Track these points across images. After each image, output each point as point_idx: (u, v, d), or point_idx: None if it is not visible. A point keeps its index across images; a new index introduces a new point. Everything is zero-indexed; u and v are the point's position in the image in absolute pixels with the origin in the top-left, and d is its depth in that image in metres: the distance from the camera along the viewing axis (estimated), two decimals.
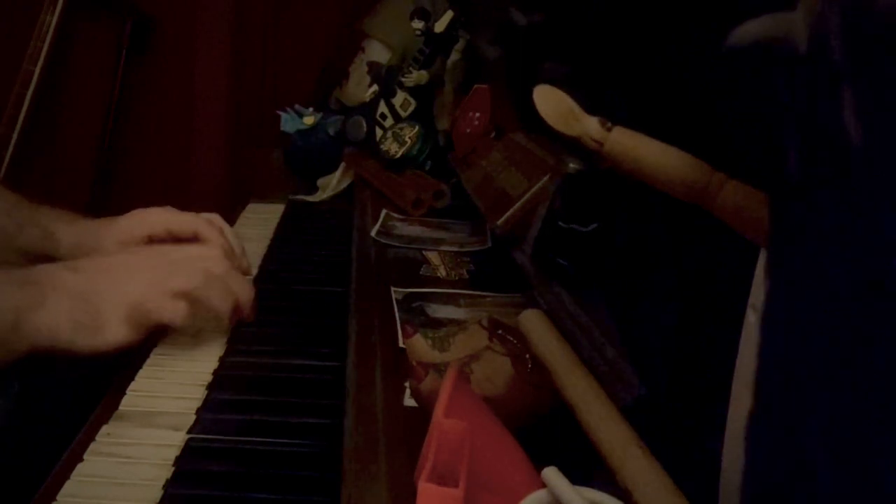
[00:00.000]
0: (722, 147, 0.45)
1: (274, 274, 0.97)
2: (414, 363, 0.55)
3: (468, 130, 1.03)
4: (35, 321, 0.68)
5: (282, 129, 1.40)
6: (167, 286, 0.73)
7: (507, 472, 0.43)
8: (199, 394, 0.69)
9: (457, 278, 0.89)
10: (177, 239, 0.90)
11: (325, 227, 1.21)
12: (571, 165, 0.58)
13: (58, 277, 0.71)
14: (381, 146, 1.24)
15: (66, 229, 0.88)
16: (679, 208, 0.45)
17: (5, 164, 1.71)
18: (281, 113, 1.42)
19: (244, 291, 0.79)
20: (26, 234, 0.87)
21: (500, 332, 0.58)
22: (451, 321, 0.74)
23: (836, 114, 0.22)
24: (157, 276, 0.74)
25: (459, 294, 0.83)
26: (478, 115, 1.02)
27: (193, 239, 0.91)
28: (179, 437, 0.63)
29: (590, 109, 0.52)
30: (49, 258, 0.86)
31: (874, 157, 0.22)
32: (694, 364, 0.46)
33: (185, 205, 0.97)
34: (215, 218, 0.95)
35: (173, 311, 0.72)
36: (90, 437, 0.63)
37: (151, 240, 0.88)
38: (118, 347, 0.71)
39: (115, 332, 0.70)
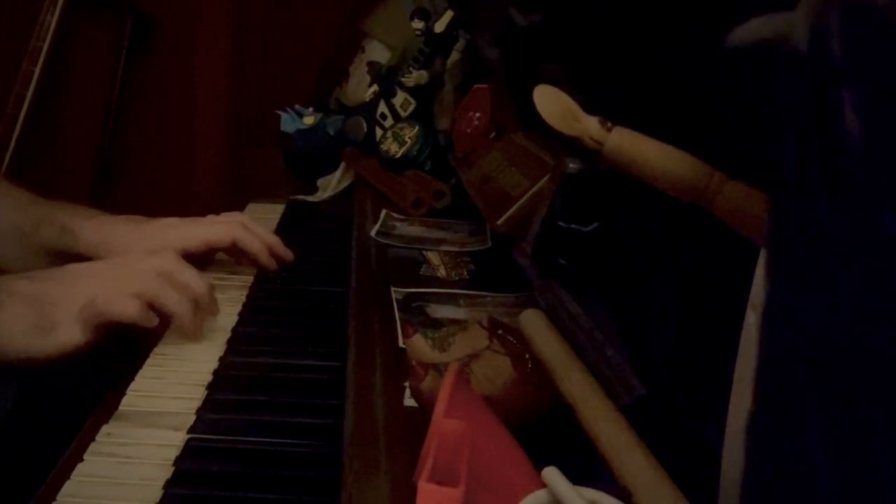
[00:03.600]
0: (722, 147, 0.45)
1: (274, 274, 0.97)
2: (414, 363, 0.55)
3: (468, 130, 1.03)
4: None
5: (282, 129, 1.40)
6: (118, 288, 0.72)
7: (507, 472, 0.43)
8: (199, 394, 0.69)
9: (457, 278, 0.89)
10: (213, 249, 0.90)
11: (325, 227, 1.21)
12: (571, 165, 0.58)
13: (12, 285, 0.71)
14: (381, 146, 1.24)
15: (86, 225, 0.87)
16: (679, 208, 0.45)
17: (5, 165, 1.71)
18: (281, 113, 1.42)
19: (198, 285, 0.77)
20: (43, 230, 0.86)
21: (500, 332, 0.58)
22: (451, 321, 0.74)
23: (836, 114, 0.22)
24: (108, 278, 0.74)
25: (459, 294, 0.83)
26: (478, 115, 1.02)
27: (232, 247, 0.92)
28: (179, 437, 0.63)
29: (590, 109, 0.52)
30: (68, 254, 0.86)
31: (874, 157, 0.22)
32: (694, 364, 0.46)
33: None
34: (240, 218, 0.96)
35: (124, 307, 0.71)
36: (90, 437, 0.63)
37: (187, 253, 0.86)
38: (73, 349, 0.70)
39: (68, 333, 0.69)
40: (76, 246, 0.86)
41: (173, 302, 0.74)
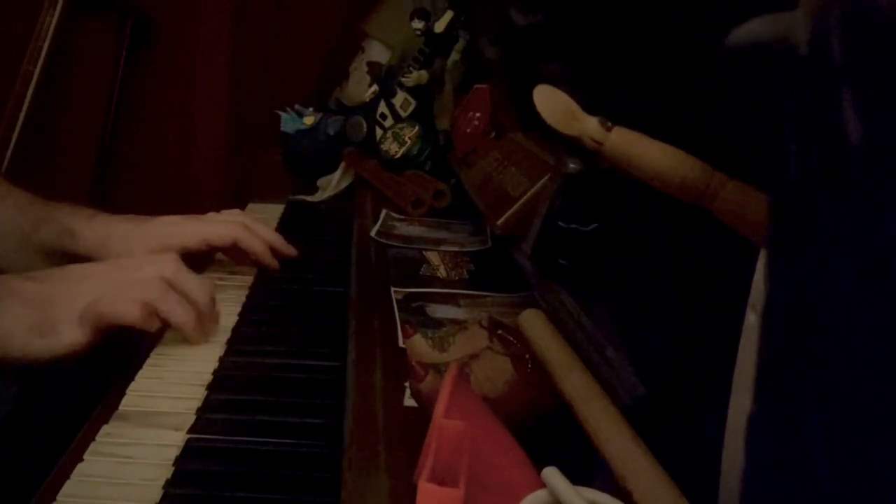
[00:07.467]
0: (722, 147, 0.45)
1: (274, 274, 0.97)
2: (414, 363, 0.55)
3: (468, 130, 1.03)
4: None
5: (282, 129, 1.40)
6: (120, 292, 0.72)
7: (507, 472, 0.43)
8: (199, 394, 0.69)
9: (457, 278, 0.89)
10: (213, 248, 0.90)
11: (325, 227, 1.21)
12: (571, 165, 0.58)
13: (13, 285, 0.71)
14: (381, 146, 1.24)
15: (87, 225, 0.87)
16: (679, 208, 0.45)
17: (5, 164, 1.71)
18: (281, 113, 1.42)
19: (199, 294, 0.77)
20: (43, 231, 0.86)
21: (500, 332, 0.58)
22: (451, 321, 0.74)
23: (836, 114, 0.22)
24: (110, 281, 0.73)
25: (459, 294, 0.83)
26: (478, 115, 1.02)
27: (232, 248, 0.92)
28: (179, 437, 0.63)
29: (590, 109, 0.52)
30: (68, 255, 0.85)
31: (874, 157, 0.22)
32: (694, 364, 0.46)
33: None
34: (241, 217, 0.96)
35: (127, 310, 0.71)
36: (90, 437, 0.63)
37: (186, 251, 0.86)
38: (73, 350, 0.69)
39: (68, 334, 0.69)
40: (76, 246, 0.86)
41: (174, 312, 0.74)
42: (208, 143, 1.86)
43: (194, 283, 0.77)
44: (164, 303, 0.73)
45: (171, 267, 0.76)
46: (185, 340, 0.77)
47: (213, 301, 0.79)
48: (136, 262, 0.78)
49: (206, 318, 0.77)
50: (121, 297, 0.71)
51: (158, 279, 0.74)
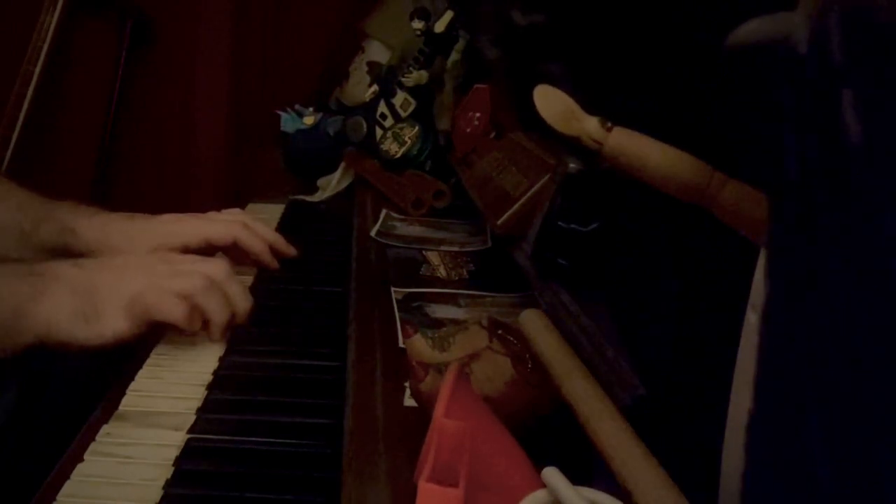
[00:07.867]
0: (722, 147, 0.45)
1: (274, 274, 0.97)
2: (414, 363, 0.55)
3: (468, 130, 1.03)
4: (36, 311, 0.68)
5: (282, 129, 1.40)
6: (169, 286, 0.73)
7: (507, 472, 0.43)
8: (199, 394, 0.69)
9: (457, 278, 0.89)
10: (214, 247, 0.90)
11: (325, 227, 1.21)
12: (571, 165, 0.58)
13: (60, 271, 0.72)
14: (381, 146, 1.24)
15: (87, 223, 0.87)
16: (679, 208, 0.45)
17: (5, 165, 1.71)
18: (281, 113, 1.42)
19: (242, 302, 0.78)
20: (44, 229, 0.86)
21: (500, 332, 0.58)
22: (451, 321, 0.74)
23: (836, 114, 0.22)
24: (160, 275, 0.74)
25: (459, 294, 0.83)
26: (478, 115, 1.02)
27: (232, 247, 0.92)
28: (179, 437, 0.63)
29: (590, 109, 0.52)
30: (69, 253, 0.86)
31: (874, 157, 0.22)
32: (694, 364, 0.46)
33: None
34: (240, 216, 0.96)
35: (173, 308, 0.72)
36: (90, 437, 0.63)
37: (187, 250, 0.87)
38: (116, 340, 0.70)
39: (113, 324, 0.70)
40: (76, 244, 0.86)
41: (213, 308, 0.75)
42: (208, 143, 1.86)
43: (239, 290, 0.79)
44: (205, 297, 0.74)
45: (222, 269, 0.78)
46: (186, 340, 0.77)
47: (249, 311, 0.80)
48: (187, 258, 0.80)
49: (236, 322, 0.79)
50: (167, 293, 0.72)
51: (204, 275, 0.75)
